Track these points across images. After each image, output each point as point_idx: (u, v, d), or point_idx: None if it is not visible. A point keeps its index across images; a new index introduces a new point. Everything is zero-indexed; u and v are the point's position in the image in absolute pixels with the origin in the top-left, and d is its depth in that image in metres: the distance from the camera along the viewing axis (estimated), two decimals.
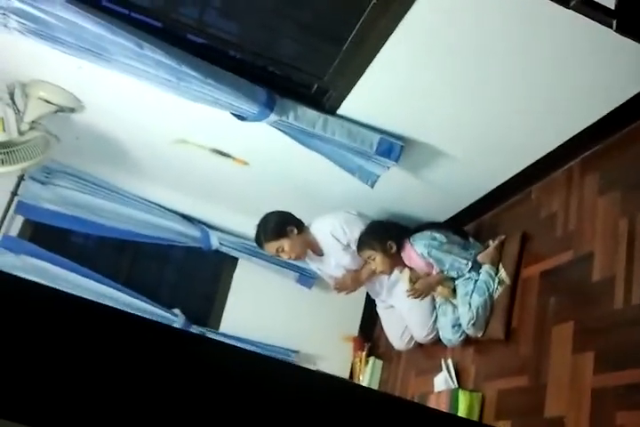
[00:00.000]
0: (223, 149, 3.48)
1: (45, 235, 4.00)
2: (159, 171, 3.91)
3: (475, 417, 2.89)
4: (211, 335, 4.01)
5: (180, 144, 3.50)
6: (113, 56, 2.66)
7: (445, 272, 3.21)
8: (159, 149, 3.62)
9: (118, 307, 3.21)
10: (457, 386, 3.16)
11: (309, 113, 2.88)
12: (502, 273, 3.04)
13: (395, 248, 3.29)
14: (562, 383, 2.44)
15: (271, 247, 3.44)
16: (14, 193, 3.85)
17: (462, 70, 2.52)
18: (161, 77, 2.72)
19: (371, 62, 2.56)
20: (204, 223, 4.15)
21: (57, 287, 3.31)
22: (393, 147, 2.94)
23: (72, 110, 3.36)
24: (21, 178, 3.83)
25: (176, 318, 3.95)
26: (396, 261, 3.33)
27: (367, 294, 4.07)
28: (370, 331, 4.30)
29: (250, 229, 3.50)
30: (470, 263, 3.16)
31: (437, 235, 3.28)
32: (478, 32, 2.31)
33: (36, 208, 3.88)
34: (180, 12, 2.92)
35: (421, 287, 3.29)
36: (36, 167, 3.56)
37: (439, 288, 3.27)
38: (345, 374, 4.24)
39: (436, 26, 2.33)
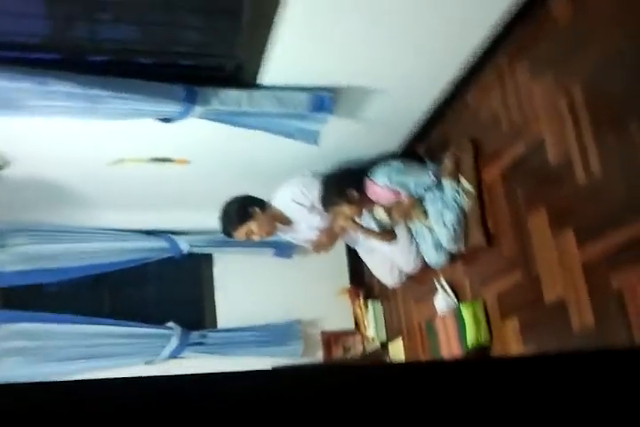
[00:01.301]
0: (161, 156, 3.34)
1: (17, 296, 3.78)
2: (106, 196, 3.74)
3: (482, 324, 2.91)
4: (212, 334, 3.93)
5: (117, 164, 3.35)
6: (21, 102, 2.49)
7: (414, 192, 3.17)
8: (99, 176, 3.45)
9: (112, 340, 3.04)
10: (456, 302, 3.16)
11: (232, 94, 2.76)
12: (465, 184, 3.01)
13: (356, 194, 3.22)
14: (552, 268, 2.45)
15: (240, 233, 3.34)
16: None
17: (364, 4, 2.43)
18: (76, 107, 2.57)
19: (273, 25, 2.46)
20: (168, 231, 4.00)
21: (43, 345, 3.07)
22: (324, 100, 2.86)
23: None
24: None
25: (172, 331, 3.82)
26: (362, 203, 3.27)
27: (346, 245, 4.04)
28: (360, 278, 4.27)
29: (213, 223, 3.38)
30: (433, 177, 3.12)
31: (393, 163, 3.24)
32: None
33: None
34: (70, 36, 2.74)
35: (400, 215, 3.25)
36: None
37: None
38: (350, 325, 4.23)
39: None
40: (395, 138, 3.53)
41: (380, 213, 3.29)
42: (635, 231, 2.05)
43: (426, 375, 0.61)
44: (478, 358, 1.68)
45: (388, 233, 3.39)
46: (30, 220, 3.69)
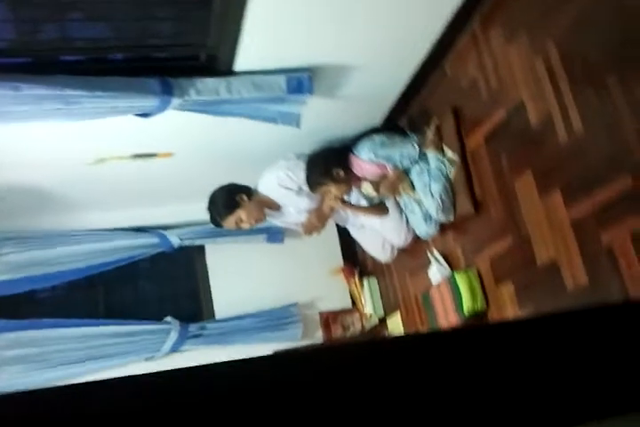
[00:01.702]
0: (143, 151, 3.30)
1: (10, 304, 3.72)
2: (91, 197, 3.70)
3: (478, 292, 2.91)
4: (211, 325, 3.92)
5: (100, 163, 3.30)
6: None
7: (399, 164, 3.14)
8: (82, 177, 3.40)
9: (111, 340, 3.03)
10: (450, 271, 3.16)
11: (209, 82, 2.71)
12: (449, 153, 2.99)
13: (342, 172, 3.20)
14: (542, 229, 2.45)
15: (230, 222, 3.32)
16: None
17: None
18: (50, 109, 2.51)
19: (244, 9, 2.41)
20: (158, 227, 3.97)
21: (43, 351, 3.06)
22: (302, 81, 2.81)
23: None
24: None
25: (171, 326, 3.80)
26: (350, 181, 3.25)
27: (337, 224, 4.02)
28: (353, 256, 4.27)
29: (202, 214, 3.36)
30: (417, 147, 3.10)
31: (376, 137, 3.21)
32: None
33: None
34: (39, 39, 2.67)
35: (387, 189, 3.23)
36: None
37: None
38: (347, 304, 4.23)
39: None
40: (376, 112, 3.49)
41: (368, 189, 3.27)
42: (620, 186, 2.05)
43: (424, 347, 0.61)
44: (475, 326, 1.68)
45: (378, 207, 3.38)
46: (15, 227, 3.64)
